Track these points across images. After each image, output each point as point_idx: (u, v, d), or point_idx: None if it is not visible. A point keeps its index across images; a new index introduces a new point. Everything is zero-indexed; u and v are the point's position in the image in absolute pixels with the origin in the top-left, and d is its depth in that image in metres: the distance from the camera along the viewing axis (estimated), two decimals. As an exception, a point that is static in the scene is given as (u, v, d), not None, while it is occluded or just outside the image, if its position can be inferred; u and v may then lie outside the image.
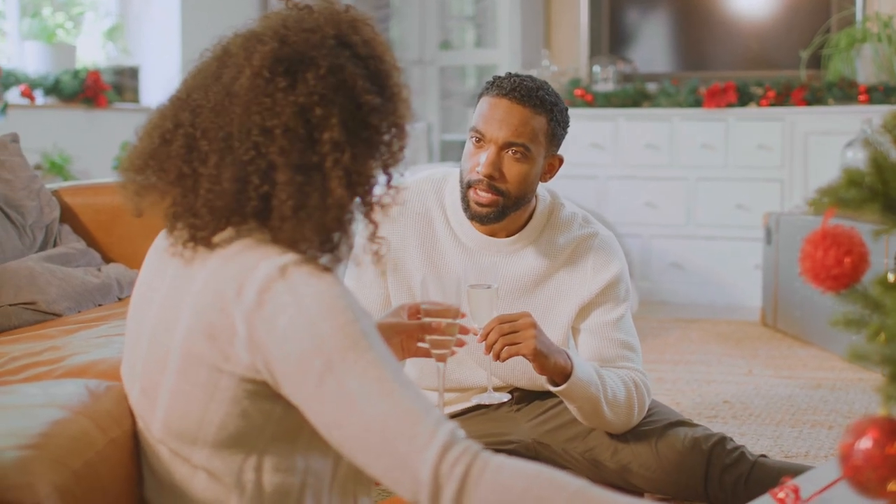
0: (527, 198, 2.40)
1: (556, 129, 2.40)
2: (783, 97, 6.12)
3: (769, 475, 2.42)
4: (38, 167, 5.13)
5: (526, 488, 1.41)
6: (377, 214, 1.59)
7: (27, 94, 5.36)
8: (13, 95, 5.38)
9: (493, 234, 2.48)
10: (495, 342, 2.18)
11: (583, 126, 6.40)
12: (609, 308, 2.48)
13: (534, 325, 2.19)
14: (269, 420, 1.55)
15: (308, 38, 1.55)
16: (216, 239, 1.56)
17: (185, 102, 1.58)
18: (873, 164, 1.44)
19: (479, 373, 2.52)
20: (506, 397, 2.29)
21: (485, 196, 2.36)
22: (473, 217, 2.41)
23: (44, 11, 5.61)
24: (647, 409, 2.49)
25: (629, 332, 2.50)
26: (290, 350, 1.46)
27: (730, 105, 6.17)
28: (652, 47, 6.76)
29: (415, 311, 2.02)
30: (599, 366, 2.43)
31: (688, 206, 6.24)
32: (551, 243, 2.49)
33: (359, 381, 1.45)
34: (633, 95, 6.43)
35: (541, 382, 2.41)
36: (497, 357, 2.18)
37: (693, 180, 6.22)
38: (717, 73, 6.49)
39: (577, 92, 6.47)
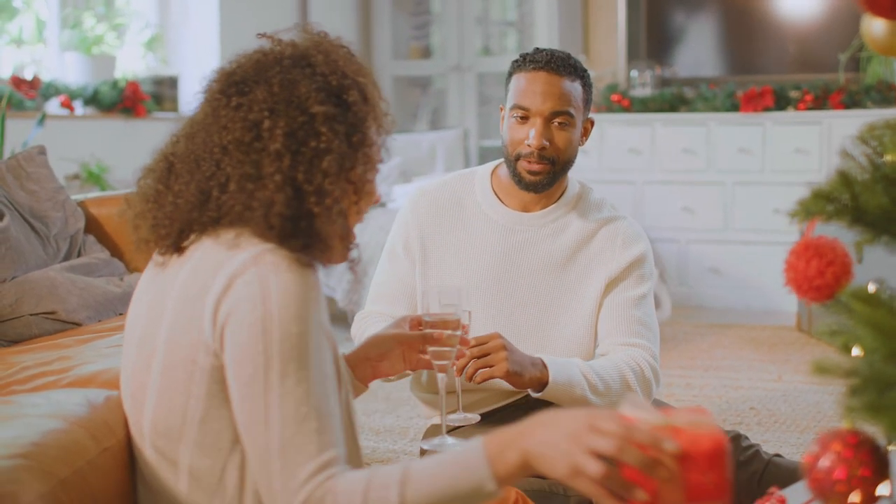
0: (571, 161, 2.51)
1: (589, 92, 2.52)
2: (821, 101, 6.08)
3: (783, 474, 2.42)
4: (75, 177, 5.21)
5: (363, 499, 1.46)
6: (349, 219, 1.65)
7: (67, 105, 5.45)
8: (53, 106, 5.47)
9: (525, 210, 2.55)
10: (466, 366, 2.22)
11: (620, 131, 6.40)
12: (632, 284, 2.52)
13: (504, 347, 2.22)
14: None
15: (261, 60, 1.65)
16: (184, 244, 1.64)
17: (172, 138, 1.71)
18: (841, 178, 1.45)
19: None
20: (475, 419, 2.30)
21: (537, 166, 2.46)
22: (527, 187, 2.50)
23: (86, 23, 5.70)
24: (654, 391, 2.49)
25: (648, 312, 2.54)
26: (238, 340, 1.52)
27: (767, 109, 6.14)
28: (690, 52, 6.74)
29: (417, 323, 2.07)
30: (614, 342, 2.47)
31: (725, 211, 6.22)
32: (581, 221, 2.56)
33: (280, 397, 1.51)
34: (670, 100, 6.42)
35: None
36: (470, 379, 2.22)
37: (730, 185, 6.19)
38: (754, 76, 6.45)
39: (614, 97, 6.47)
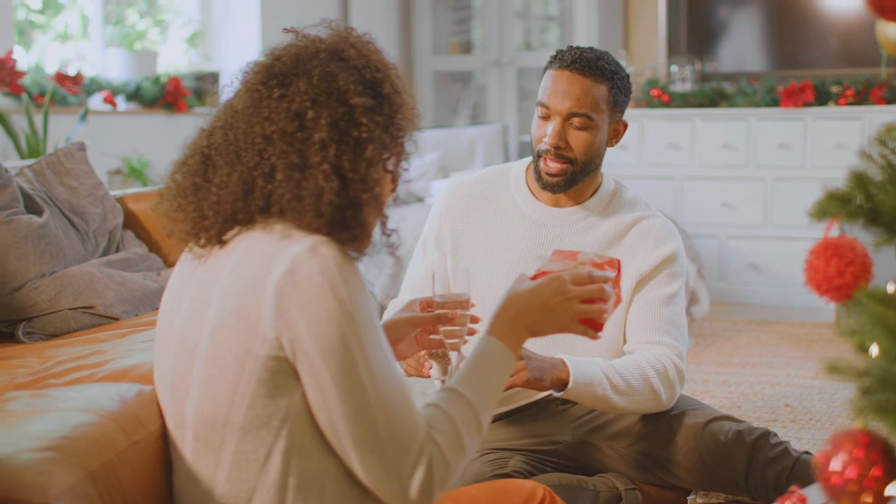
0: (593, 164, 2.53)
1: (618, 95, 2.52)
2: (862, 96, 6.04)
3: (812, 472, 2.42)
4: (117, 172, 5.28)
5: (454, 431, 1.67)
6: (382, 209, 1.71)
7: (109, 101, 5.52)
8: (96, 102, 5.54)
9: (558, 205, 2.58)
10: None
11: (659, 126, 6.39)
12: (662, 282, 2.54)
13: (520, 357, 2.24)
14: (292, 401, 1.63)
15: (300, 54, 1.70)
16: (227, 237, 1.70)
17: (205, 130, 1.76)
18: (856, 179, 1.46)
19: None
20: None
21: (554, 165, 2.50)
22: (545, 186, 2.54)
23: (129, 19, 5.77)
24: (678, 390, 2.50)
25: (677, 311, 2.55)
26: (318, 333, 1.58)
27: (807, 104, 6.10)
28: (730, 47, 6.71)
29: (426, 305, 2.14)
30: (640, 339, 2.49)
31: (765, 207, 6.19)
32: (614, 218, 2.59)
33: (375, 380, 1.61)
34: (710, 95, 6.40)
35: None
36: None
37: (770, 180, 6.17)
38: (795, 71, 6.42)
39: (654, 92, 6.46)
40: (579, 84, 2.46)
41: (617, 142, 2.59)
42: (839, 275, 1.58)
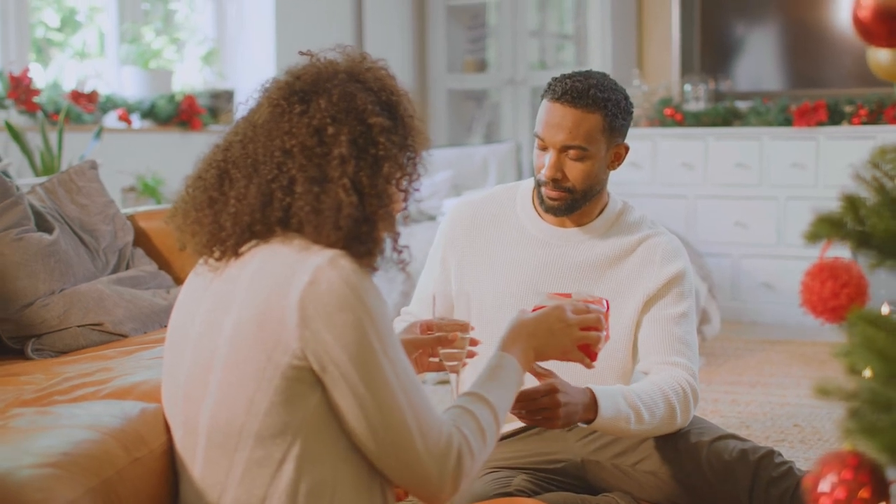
0: (594, 189, 2.54)
1: (614, 121, 2.50)
2: (875, 115, 6.04)
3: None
4: (131, 189, 5.32)
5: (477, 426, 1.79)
6: (395, 225, 1.77)
7: (124, 118, 5.56)
8: (111, 119, 5.58)
9: (563, 226, 2.60)
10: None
11: (672, 145, 6.40)
12: (672, 302, 2.54)
13: (559, 405, 2.23)
14: (308, 408, 1.67)
15: (319, 73, 1.76)
16: (243, 249, 1.74)
17: (220, 145, 1.81)
18: (847, 202, 1.47)
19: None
20: None
21: (554, 194, 2.51)
22: (548, 210, 2.55)
23: (145, 38, 5.81)
24: (693, 412, 2.51)
25: (688, 330, 2.55)
26: (346, 342, 1.64)
27: (820, 124, 6.11)
28: (744, 66, 6.72)
29: (426, 328, 2.19)
30: (655, 360, 2.49)
31: (778, 226, 6.19)
32: (620, 237, 2.59)
33: (402, 381, 1.68)
34: (723, 114, 6.40)
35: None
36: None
37: (783, 200, 6.17)
38: (808, 91, 6.42)
39: (667, 111, 6.47)
40: (571, 116, 2.46)
41: (619, 164, 2.59)
42: (834, 296, 1.59)
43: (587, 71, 2.55)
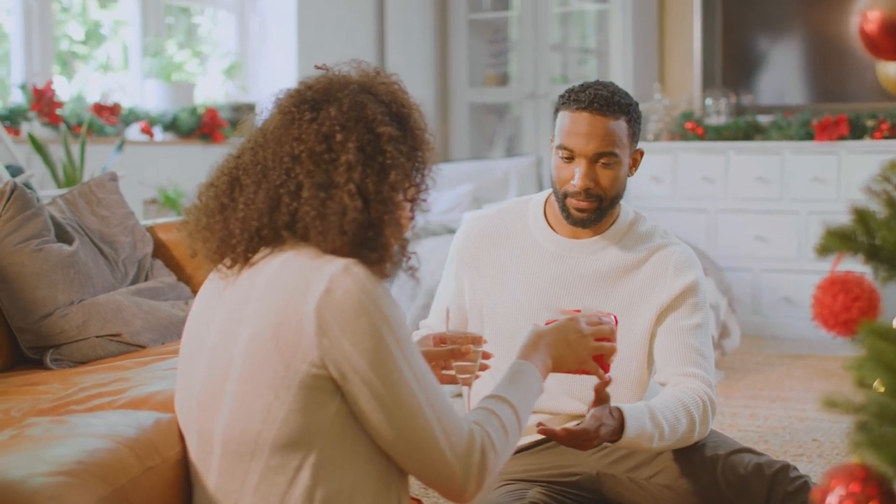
0: (619, 196, 2.57)
1: (635, 126, 2.55)
2: (898, 130, 6.01)
3: None
4: (153, 201, 5.35)
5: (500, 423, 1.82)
6: (403, 233, 1.80)
7: (146, 131, 5.59)
8: (133, 132, 5.62)
9: (575, 237, 2.60)
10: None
11: (693, 159, 6.39)
12: (686, 313, 2.54)
13: (597, 440, 2.25)
14: (326, 416, 1.69)
15: (331, 84, 1.79)
16: (255, 258, 1.76)
17: (232, 154, 1.84)
18: (857, 216, 1.47)
19: (564, 399, 2.58)
20: None
21: (584, 204, 2.51)
22: (575, 222, 2.55)
23: (168, 51, 5.85)
24: (711, 424, 2.51)
25: (704, 342, 2.55)
26: (364, 348, 1.66)
27: (842, 138, 6.09)
28: (765, 80, 6.71)
29: (440, 340, 2.20)
30: (672, 372, 2.49)
31: (799, 240, 6.17)
32: (632, 248, 2.60)
33: (422, 383, 1.71)
34: (744, 128, 6.39)
35: (622, 403, 2.51)
36: None
37: (804, 214, 6.15)
38: (830, 105, 6.40)
39: (689, 125, 6.47)
40: (601, 124, 2.47)
41: (636, 170, 2.62)
42: (846, 310, 1.60)
43: (596, 81, 2.56)
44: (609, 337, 2.12)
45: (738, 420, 4.23)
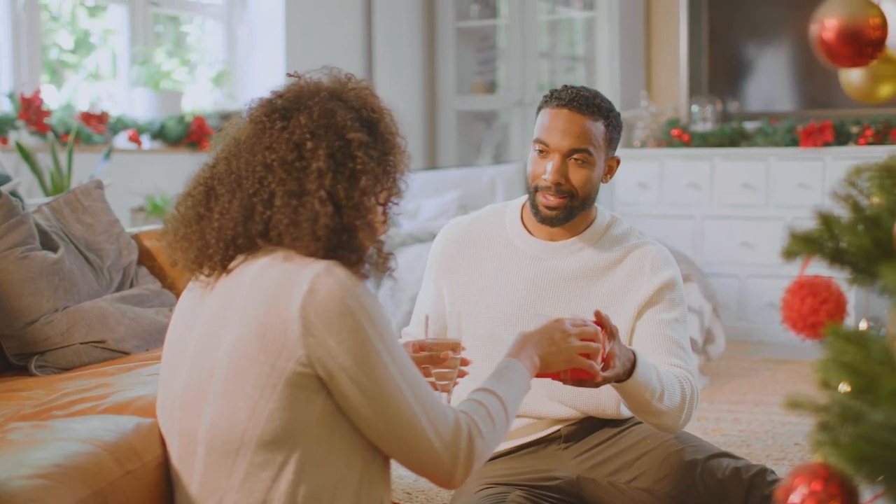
0: (590, 199, 2.57)
1: (613, 132, 2.57)
2: (882, 136, 6.05)
3: None
4: (141, 209, 5.37)
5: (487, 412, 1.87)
6: (377, 235, 1.83)
7: (134, 139, 5.61)
8: (122, 140, 5.64)
9: (552, 239, 2.62)
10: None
11: (679, 166, 6.43)
12: (665, 307, 2.57)
13: (614, 355, 2.25)
14: (311, 414, 1.73)
15: (301, 92, 1.82)
16: (231, 265, 1.80)
17: (207, 164, 1.87)
18: (821, 220, 1.50)
19: (546, 402, 2.60)
20: None
21: (553, 199, 2.52)
22: (543, 220, 2.57)
23: (156, 59, 5.87)
24: (695, 412, 2.54)
25: (683, 335, 2.58)
26: (349, 346, 1.70)
27: (827, 144, 6.12)
28: (752, 87, 6.75)
29: (419, 348, 2.22)
30: (653, 361, 2.49)
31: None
32: (608, 249, 2.62)
33: (405, 376, 1.76)
34: (730, 135, 6.43)
35: (604, 407, 2.57)
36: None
37: (790, 220, 6.18)
38: (813, 111, 6.44)
39: (674, 132, 6.50)
40: (579, 121, 2.51)
41: (611, 177, 2.63)
42: (814, 313, 1.62)
43: (583, 86, 2.59)
44: (594, 338, 2.16)
45: (722, 424, 4.26)
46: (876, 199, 1.56)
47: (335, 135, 1.77)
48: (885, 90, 1.40)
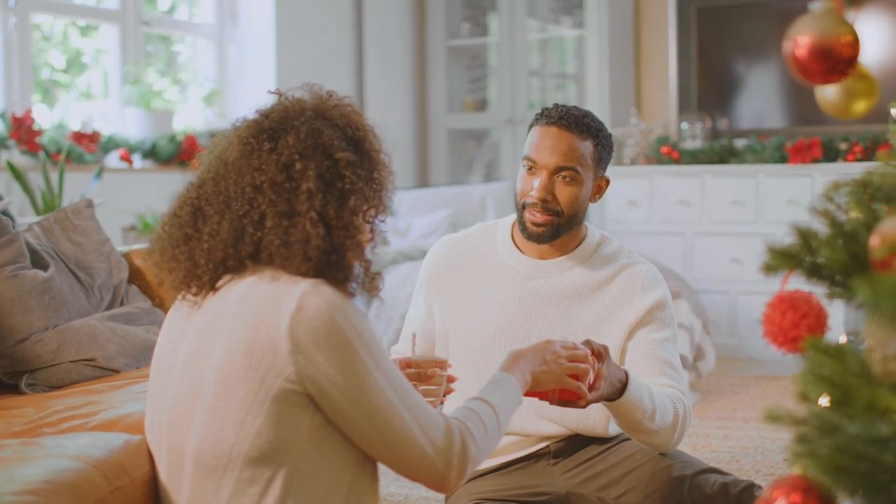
0: (578, 217, 2.58)
1: (602, 152, 2.58)
2: (870, 152, 6.08)
3: None
4: (132, 228, 5.38)
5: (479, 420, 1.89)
6: (364, 254, 1.86)
7: (126, 158, 5.63)
8: (113, 159, 5.66)
9: (542, 258, 2.63)
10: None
11: (669, 183, 6.46)
12: (656, 328, 2.58)
13: (601, 376, 2.28)
14: (298, 429, 1.75)
15: (287, 111, 1.84)
16: (219, 284, 1.82)
17: (193, 183, 1.88)
18: (799, 235, 1.52)
19: (534, 420, 2.62)
20: None
21: (540, 216, 2.53)
22: (530, 237, 2.58)
23: (148, 79, 5.89)
24: (687, 431, 2.55)
25: (673, 354, 2.59)
26: (337, 361, 1.72)
27: (815, 161, 6.16)
28: (741, 104, 6.78)
29: (405, 365, 2.24)
30: (645, 381, 2.51)
31: (774, 263, 6.20)
32: (599, 268, 2.63)
33: (396, 390, 1.78)
34: (719, 152, 6.46)
35: (592, 426, 2.58)
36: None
37: (780, 236, 6.19)
38: (803, 128, 6.47)
39: (664, 149, 6.53)
40: (567, 139, 2.52)
41: (600, 197, 2.64)
42: (794, 327, 1.64)
43: (575, 105, 2.61)
44: (584, 360, 2.19)
45: (711, 441, 4.28)
46: (853, 214, 1.59)
47: (323, 154, 1.79)
48: (859, 106, 1.42)
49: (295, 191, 1.77)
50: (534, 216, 2.54)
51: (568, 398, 2.21)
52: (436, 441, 1.79)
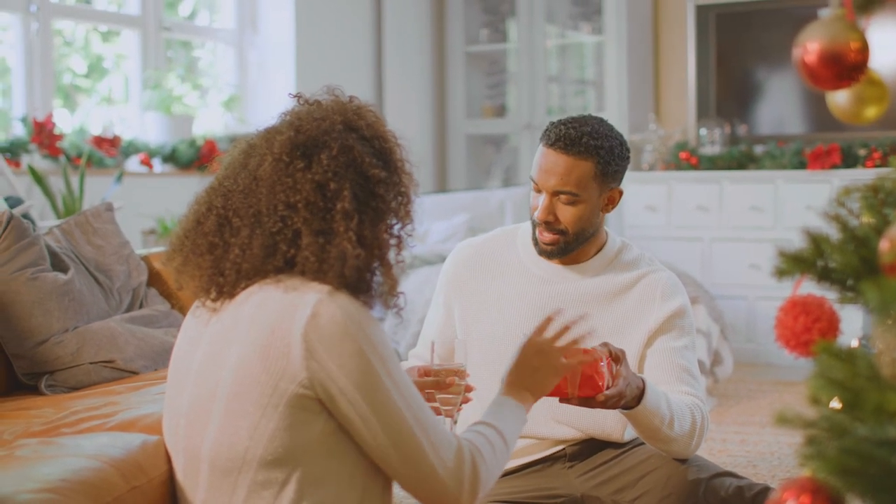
0: (587, 232, 2.58)
1: (607, 168, 2.53)
2: (888, 158, 6.07)
3: None
4: (152, 232, 5.42)
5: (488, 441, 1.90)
6: (394, 272, 1.87)
7: (146, 163, 5.67)
8: (133, 163, 5.69)
9: (563, 263, 2.64)
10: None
11: (688, 188, 6.45)
12: (675, 336, 2.58)
13: (619, 375, 2.29)
14: (311, 434, 1.76)
15: (319, 125, 1.84)
16: (238, 290, 1.83)
17: (216, 190, 1.88)
18: (810, 240, 1.53)
19: (550, 424, 2.63)
20: None
21: (547, 236, 2.55)
22: (541, 253, 2.60)
23: (168, 83, 5.93)
24: (704, 438, 2.55)
25: (692, 362, 2.60)
26: (350, 369, 1.73)
27: (834, 167, 6.15)
28: (760, 110, 6.78)
29: (423, 373, 2.24)
30: (664, 389, 2.51)
31: (793, 268, 6.19)
32: (619, 274, 2.64)
33: (407, 400, 1.77)
34: (738, 158, 6.46)
35: (608, 431, 2.59)
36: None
37: (798, 242, 6.18)
38: (822, 134, 6.46)
39: (683, 155, 6.53)
40: (563, 163, 2.49)
41: (613, 207, 2.63)
42: (806, 331, 1.65)
43: (584, 116, 2.58)
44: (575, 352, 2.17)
45: (728, 445, 4.27)
46: (864, 219, 1.59)
47: (356, 172, 1.81)
48: (870, 112, 1.43)
49: (331, 210, 1.79)
50: (542, 235, 2.56)
51: (586, 394, 2.19)
52: (447, 460, 1.79)
